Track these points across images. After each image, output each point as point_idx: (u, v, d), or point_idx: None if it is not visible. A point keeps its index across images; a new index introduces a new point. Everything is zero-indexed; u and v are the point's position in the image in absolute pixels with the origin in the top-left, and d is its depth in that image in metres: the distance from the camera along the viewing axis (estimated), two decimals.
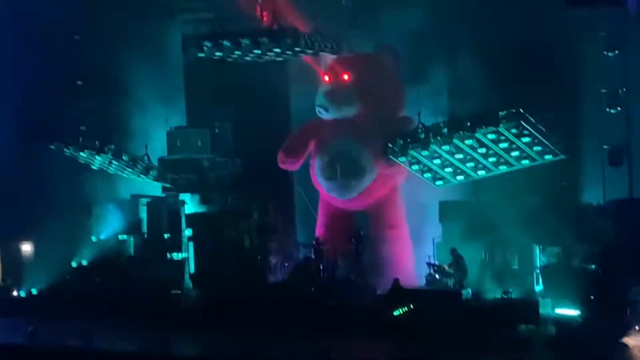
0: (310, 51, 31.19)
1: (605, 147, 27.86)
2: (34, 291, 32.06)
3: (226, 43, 30.94)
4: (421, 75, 30.51)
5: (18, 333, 27.41)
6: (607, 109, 27.98)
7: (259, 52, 31.11)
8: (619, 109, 27.87)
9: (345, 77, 31.69)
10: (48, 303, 30.97)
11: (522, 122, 25.72)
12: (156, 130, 34.25)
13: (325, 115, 32.72)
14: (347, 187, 32.27)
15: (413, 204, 31.80)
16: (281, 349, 25.78)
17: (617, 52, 27.87)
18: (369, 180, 32.01)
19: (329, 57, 32.31)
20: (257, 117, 33.31)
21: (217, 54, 31.58)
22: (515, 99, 28.11)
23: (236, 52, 31.46)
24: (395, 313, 24.27)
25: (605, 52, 27.98)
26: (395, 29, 30.90)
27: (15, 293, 32.72)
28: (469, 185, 29.31)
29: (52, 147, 32.55)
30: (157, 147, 34.14)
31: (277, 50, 30.81)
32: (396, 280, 27.27)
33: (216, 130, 34.43)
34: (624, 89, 27.81)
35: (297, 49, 30.74)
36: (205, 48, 31.33)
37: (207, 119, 34.48)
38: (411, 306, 25.03)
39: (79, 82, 34.55)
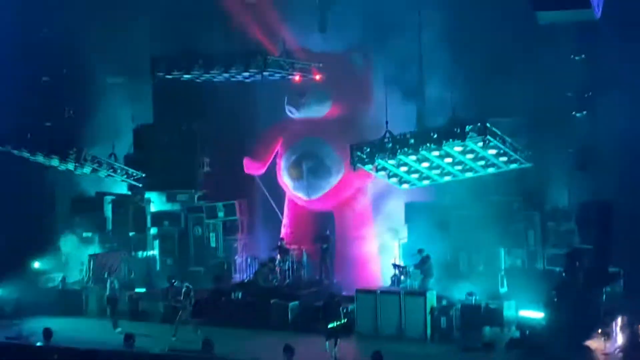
0: (279, 74, 31.01)
1: (570, 150, 27.97)
2: None
3: (195, 71, 30.73)
4: (390, 77, 30.54)
5: None
6: (574, 113, 28.12)
7: (228, 76, 30.92)
8: (584, 112, 28.00)
9: (317, 77, 31.61)
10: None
11: (488, 136, 25.76)
12: (122, 127, 33.93)
13: (295, 115, 32.69)
14: (313, 187, 32.25)
15: (379, 204, 31.82)
16: (243, 346, 25.87)
17: (583, 56, 28.00)
18: (335, 180, 32.02)
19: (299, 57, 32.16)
20: (225, 115, 33.13)
21: (186, 76, 31.18)
22: (483, 102, 28.27)
23: (204, 76, 31.11)
24: (330, 326, 24.60)
25: (572, 56, 28.10)
26: (366, 30, 30.93)
27: None
28: (435, 187, 29.31)
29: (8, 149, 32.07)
30: (124, 144, 33.87)
31: (246, 74, 30.64)
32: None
33: (182, 129, 34.16)
34: (590, 93, 27.94)
35: (265, 73, 30.56)
36: (174, 72, 31.03)
37: (174, 118, 34.21)
38: (344, 320, 25.22)
39: (45, 79, 34.14)
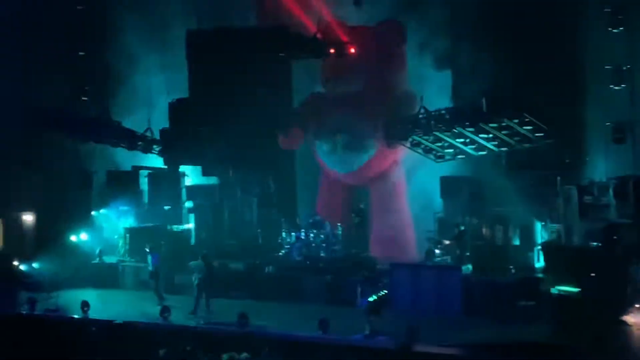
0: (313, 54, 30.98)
1: (608, 124, 27.73)
2: (36, 265, 31.94)
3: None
4: (424, 50, 30.40)
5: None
6: (611, 86, 27.84)
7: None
8: (623, 85, 27.71)
9: (352, 50, 31.47)
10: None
11: (524, 114, 25.52)
12: (158, 100, 34.03)
13: (329, 90, 32.57)
14: (348, 162, 32.19)
15: (414, 178, 31.71)
16: (278, 319, 25.94)
17: (622, 28, 27.68)
18: (370, 154, 31.93)
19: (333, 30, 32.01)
20: (259, 89, 33.07)
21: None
22: (520, 77, 28.05)
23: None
24: (370, 299, 24.52)
25: (609, 29, 27.79)
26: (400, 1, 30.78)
27: (16, 263, 32.64)
28: (471, 160, 29.18)
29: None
30: (160, 118, 33.97)
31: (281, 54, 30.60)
32: None
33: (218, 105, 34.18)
34: (628, 66, 27.64)
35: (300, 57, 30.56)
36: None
37: (208, 92, 34.20)
38: (384, 292, 25.07)
39: (81, 53, 34.22)
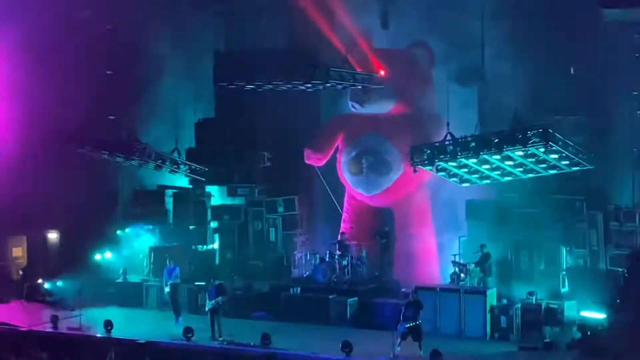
0: (340, 85, 31.00)
1: (635, 149, 27.61)
2: (60, 283, 32.05)
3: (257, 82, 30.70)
4: (452, 71, 30.39)
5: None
6: (638, 112, 27.74)
7: (290, 86, 30.97)
8: None
9: (382, 72, 31.49)
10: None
11: (549, 142, 25.48)
12: (185, 120, 34.17)
13: (358, 110, 32.57)
14: (373, 183, 32.15)
15: (439, 201, 31.63)
16: (301, 341, 25.92)
17: None
18: (395, 176, 31.88)
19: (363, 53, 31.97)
20: (286, 109, 33.15)
21: (248, 87, 31.18)
22: (545, 101, 28.03)
23: (266, 87, 31.14)
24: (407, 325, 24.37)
25: (637, 55, 27.70)
26: (429, 24, 30.76)
27: (40, 281, 32.78)
28: (496, 184, 29.10)
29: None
30: (185, 137, 34.10)
31: (308, 85, 30.70)
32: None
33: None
34: None
35: (327, 84, 30.63)
36: (235, 82, 30.98)
37: (235, 112, 34.33)
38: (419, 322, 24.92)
39: (109, 72, 34.38)
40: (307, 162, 33.14)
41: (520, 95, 28.24)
